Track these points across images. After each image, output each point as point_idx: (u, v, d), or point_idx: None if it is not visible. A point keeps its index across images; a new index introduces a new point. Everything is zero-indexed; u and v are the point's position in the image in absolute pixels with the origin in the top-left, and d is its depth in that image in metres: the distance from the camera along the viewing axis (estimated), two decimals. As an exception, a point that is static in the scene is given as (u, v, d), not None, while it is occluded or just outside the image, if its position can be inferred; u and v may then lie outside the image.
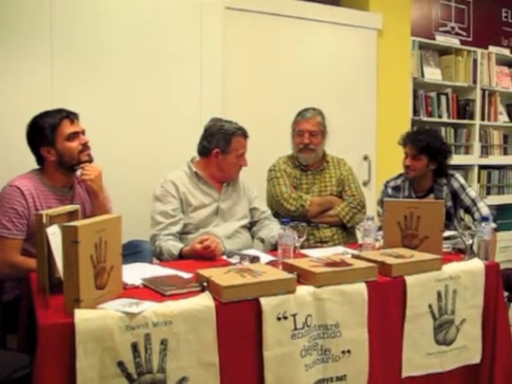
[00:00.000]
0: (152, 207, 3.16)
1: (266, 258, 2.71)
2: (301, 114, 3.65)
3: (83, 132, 2.84)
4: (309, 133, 3.57)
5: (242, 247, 3.13)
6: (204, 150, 3.26)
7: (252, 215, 3.38)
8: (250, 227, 3.38)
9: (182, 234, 3.15)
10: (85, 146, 2.81)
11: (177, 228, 3.11)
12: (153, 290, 2.14)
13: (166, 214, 3.11)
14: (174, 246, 2.98)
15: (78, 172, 2.86)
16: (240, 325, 2.04)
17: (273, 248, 3.10)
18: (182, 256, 2.92)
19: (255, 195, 3.43)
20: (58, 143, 2.74)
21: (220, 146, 3.20)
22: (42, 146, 2.76)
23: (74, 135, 2.77)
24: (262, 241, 3.32)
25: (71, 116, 2.79)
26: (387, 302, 2.36)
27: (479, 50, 5.74)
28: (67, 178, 2.85)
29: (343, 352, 2.24)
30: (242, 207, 3.33)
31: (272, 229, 3.27)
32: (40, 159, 2.82)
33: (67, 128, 2.76)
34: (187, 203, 3.17)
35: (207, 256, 2.79)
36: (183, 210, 3.17)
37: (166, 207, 3.12)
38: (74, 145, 2.77)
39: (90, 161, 2.84)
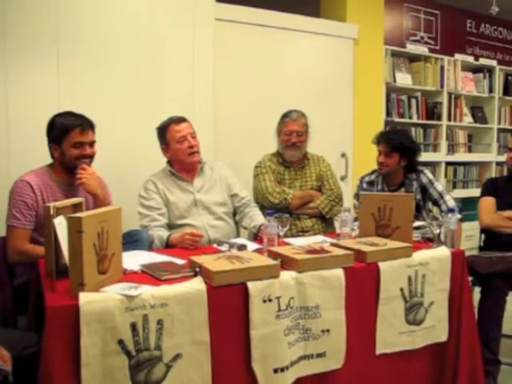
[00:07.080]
0: (138, 206, 3.17)
1: (252, 246, 2.72)
2: (288, 115, 3.65)
3: (91, 144, 2.84)
4: (296, 133, 3.59)
5: (226, 235, 3.17)
6: (162, 151, 3.30)
7: (232, 201, 3.36)
8: (234, 214, 3.38)
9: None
10: (84, 156, 2.81)
11: (164, 219, 3.12)
12: (150, 275, 2.15)
13: (151, 207, 3.12)
14: (164, 233, 2.99)
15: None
16: (229, 306, 2.05)
17: (255, 236, 3.17)
18: (167, 242, 2.95)
19: (234, 182, 3.40)
20: (63, 145, 2.77)
21: (162, 141, 3.26)
22: (51, 141, 2.81)
23: (79, 144, 2.78)
24: (246, 228, 3.37)
25: (85, 125, 2.79)
26: (362, 286, 2.37)
27: (446, 58, 5.79)
28: (69, 176, 2.85)
29: (323, 331, 2.25)
30: (219, 196, 3.30)
31: (252, 218, 3.27)
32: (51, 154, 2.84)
33: (76, 136, 2.77)
34: (166, 199, 3.17)
35: (187, 245, 2.79)
36: (166, 205, 3.17)
37: (150, 203, 3.14)
38: (76, 152, 2.78)
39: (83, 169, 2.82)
